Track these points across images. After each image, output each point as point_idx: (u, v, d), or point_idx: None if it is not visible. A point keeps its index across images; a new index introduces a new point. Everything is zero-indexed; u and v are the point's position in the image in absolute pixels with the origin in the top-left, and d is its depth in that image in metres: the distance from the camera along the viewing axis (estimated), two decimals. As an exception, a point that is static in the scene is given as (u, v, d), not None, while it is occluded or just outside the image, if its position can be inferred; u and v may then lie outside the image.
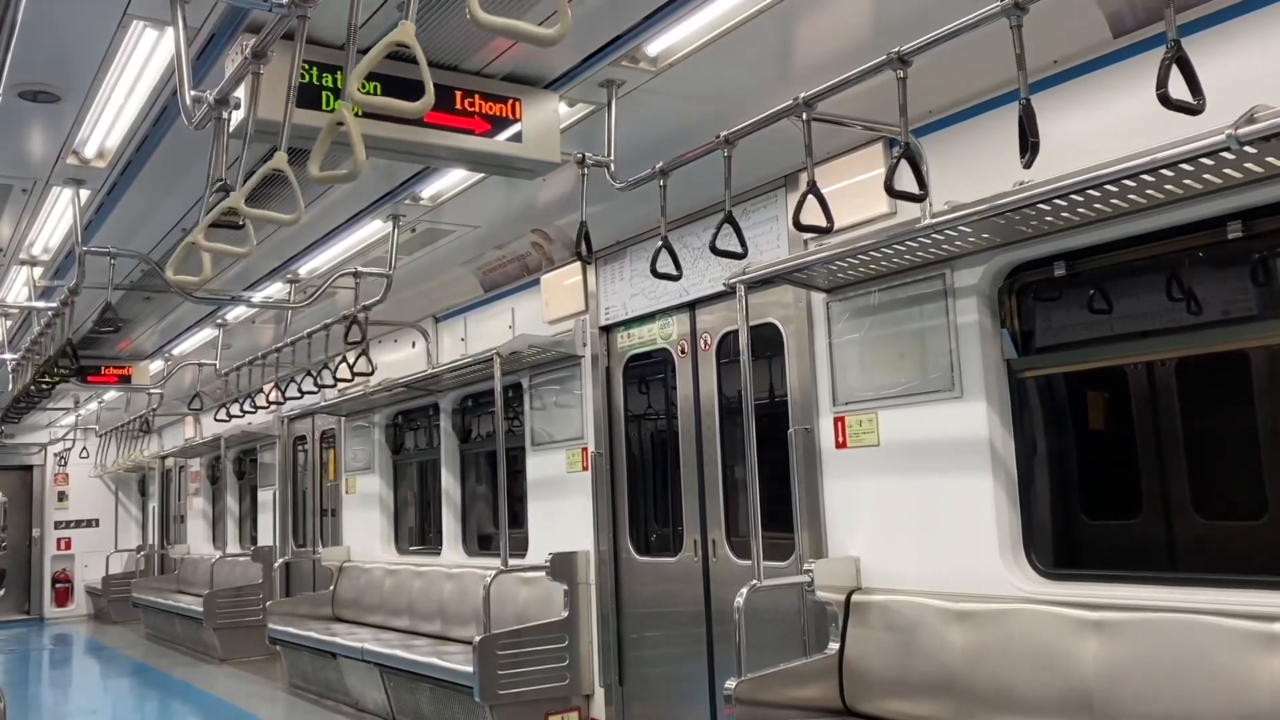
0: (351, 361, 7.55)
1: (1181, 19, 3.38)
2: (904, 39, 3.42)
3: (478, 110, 4.21)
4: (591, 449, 6.53)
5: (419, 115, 2.75)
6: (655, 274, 4.54)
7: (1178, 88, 2.73)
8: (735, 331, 5.33)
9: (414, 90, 3.93)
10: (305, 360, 8.43)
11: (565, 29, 2.26)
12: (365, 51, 2.65)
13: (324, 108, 3.85)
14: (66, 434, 16.90)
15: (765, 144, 4.17)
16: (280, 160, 3.06)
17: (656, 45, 4.15)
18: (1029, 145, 3.02)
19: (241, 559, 11.87)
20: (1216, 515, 4.24)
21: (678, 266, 4.54)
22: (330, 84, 3.87)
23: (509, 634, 6.10)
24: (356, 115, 2.84)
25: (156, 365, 11.48)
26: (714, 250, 4.22)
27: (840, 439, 4.83)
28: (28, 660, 13.19)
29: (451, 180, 5.62)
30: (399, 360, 8.80)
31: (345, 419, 9.99)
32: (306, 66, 3.69)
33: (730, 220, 4.18)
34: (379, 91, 3.81)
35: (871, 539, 4.66)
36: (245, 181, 3.40)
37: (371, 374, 7.77)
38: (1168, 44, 2.71)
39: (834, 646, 4.54)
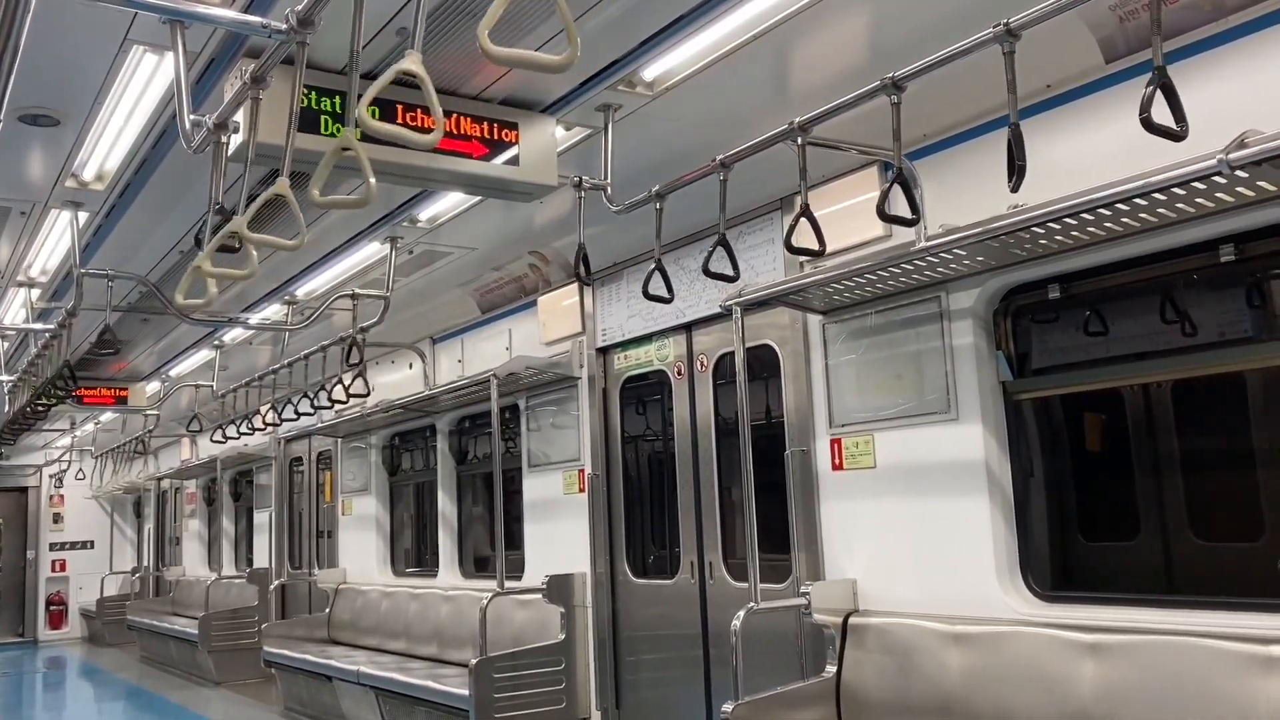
0: (348, 383, 7.55)
1: (1174, 44, 3.42)
2: (898, 64, 3.45)
3: (475, 134, 4.24)
4: (588, 470, 6.52)
5: (429, 147, 2.76)
6: (648, 296, 4.55)
7: (1163, 115, 2.75)
8: (732, 353, 5.33)
9: (416, 112, 3.99)
10: (302, 382, 8.43)
11: (574, 56, 2.27)
12: (368, 76, 2.66)
13: (323, 132, 3.87)
14: (62, 455, 16.86)
15: (761, 167, 4.19)
16: (283, 186, 3.07)
17: (653, 70, 4.18)
18: (1016, 169, 3.05)
19: (237, 581, 11.81)
20: (1213, 537, 4.24)
21: (670, 290, 4.56)
22: (329, 108, 3.90)
23: (505, 657, 6.07)
24: (358, 140, 2.86)
25: (153, 386, 11.48)
26: (706, 273, 4.24)
27: (837, 460, 4.83)
28: (21, 684, 13.10)
29: (449, 203, 5.64)
30: (396, 381, 8.80)
31: (342, 440, 9.98)
32: (305, 91, 3.72)
33: (723, 243, 4.19)
34: (378, 116, 3.84)
35: (868, 561, 4.66)
36: (246, 204, 3.42)
37: (368, 396, 7.77)
38: (1153, 71, 2.74)
39: (831, 669, 4.52)
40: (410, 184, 4.77)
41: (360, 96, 2.69)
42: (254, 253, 3.45)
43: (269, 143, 3.51)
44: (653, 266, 4.52)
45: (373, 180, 2.88)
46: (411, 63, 2.48)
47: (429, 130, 2.60)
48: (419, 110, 3.98)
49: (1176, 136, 2.77)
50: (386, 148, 3.75)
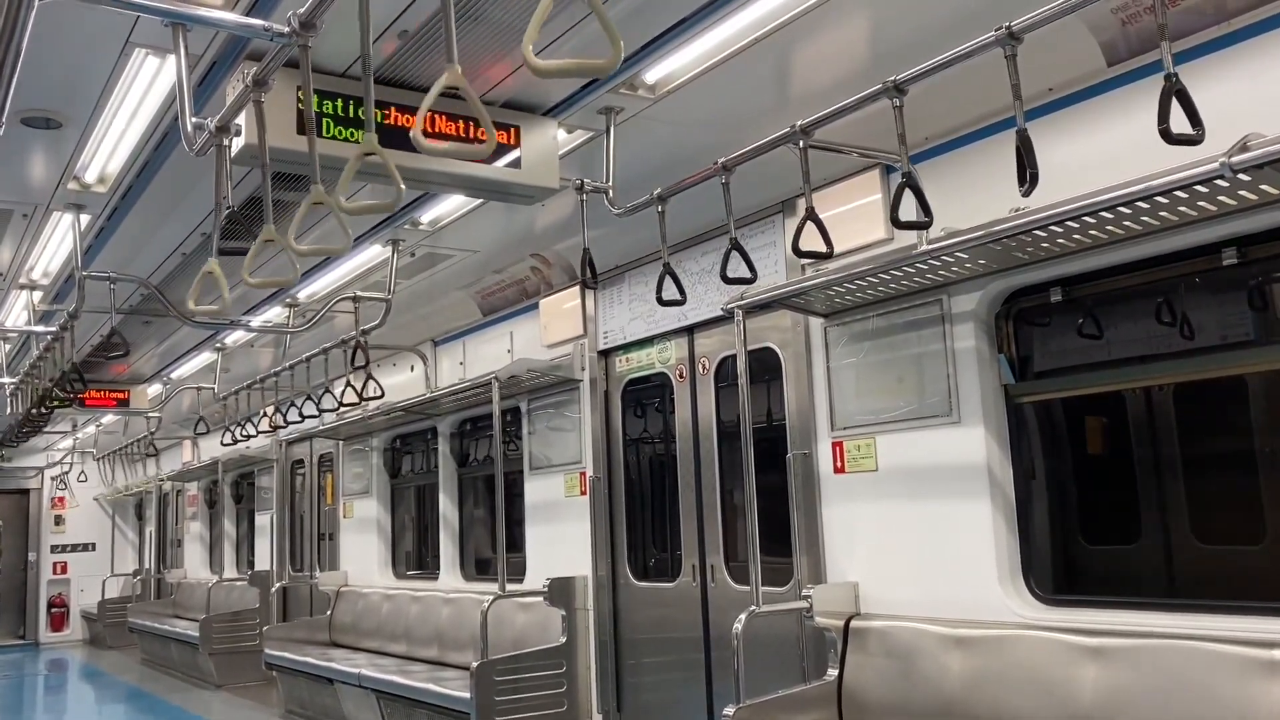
0: (359, 386, 7.54)
1: (1177, 47, 3.39)
2: (900, 67, 3.44)
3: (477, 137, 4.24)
4: (590, 473, 6.52)
5: (483, 156, 2.77)
6: (661, 301, 4.54)
7: (1177, 119, 2.74)
8: (733, 356, 5.34)
9: (414, 114, 3.97)
10: (304, 384, 8.44)
11: (617, 58, 2.26)
12: (376, 79, 2.65)
13: (324, 134, 3.87)
14: (64, 457, 16.86)
15: (762, 170, 4.19)
16: (319, 194, 3.08)
17: (655, 73, 4.18)
18: (1028, 176, 3.04)
19: (238, 583, 11.82)
20: (1215, 540, 4.23)
21: (681, 292, 4.55)
22: (331, 111, 3.90)
23: (506, 660, 6.07)
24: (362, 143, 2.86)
25: (155, 389, 11.48)
26: (725, 279, 4.23)
27: (838, 463, 4.83)
28: (22, 686, 13.10)
29: (451, 205, 5.65)
30: (397, 384, 8.80)
31: (343, 443, 9.98)
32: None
33: (737, 247, 4.18)
34: (380, 118, 3.84)
35: (870, 564, 4.65)
36: (273, 210, 3.43)
37: (381, 397, 7.78)
38: (1166, 78, 2.72)
39: (833, 673, 4.52)
40: (412, 187, 4.76)
41: (375, 101, 2.70)
42: (296, 263, 3.49)
43: (272, 145, 3.51)
44: (662, 270, 4.51)
45: (403, 186, 2.94)
46: (453, 78, 2.47)
47: (452, 138, 2.61)
48: (429, 115, 3.98)
49: (1194, 142, 2.75)
50: (388, 151, 3.75)
